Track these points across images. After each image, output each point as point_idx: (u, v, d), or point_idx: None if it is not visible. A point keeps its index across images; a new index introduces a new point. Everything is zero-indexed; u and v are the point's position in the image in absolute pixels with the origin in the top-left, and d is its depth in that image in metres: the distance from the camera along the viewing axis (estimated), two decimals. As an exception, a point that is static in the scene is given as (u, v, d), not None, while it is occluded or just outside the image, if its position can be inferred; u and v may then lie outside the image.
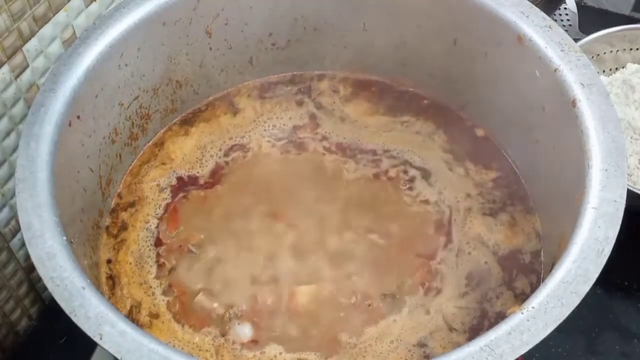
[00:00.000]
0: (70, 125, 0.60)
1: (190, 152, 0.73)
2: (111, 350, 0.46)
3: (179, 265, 0.66)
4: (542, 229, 0.67)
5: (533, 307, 0.48)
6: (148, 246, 0.67)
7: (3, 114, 0.66)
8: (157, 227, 0.68)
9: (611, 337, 0.76)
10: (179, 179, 0.72)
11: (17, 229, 0.72)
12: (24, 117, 0.68)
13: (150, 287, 0.64)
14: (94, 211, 0.66)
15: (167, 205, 0.69)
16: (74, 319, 0.48)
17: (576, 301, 0.48)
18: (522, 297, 0.62)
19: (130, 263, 0.66)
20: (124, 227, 0.68)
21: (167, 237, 0.67)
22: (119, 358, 0.46)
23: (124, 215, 0.69)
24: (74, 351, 0.70)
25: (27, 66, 0.66)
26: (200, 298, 0.63)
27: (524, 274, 0.64)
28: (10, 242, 0.72)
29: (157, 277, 0.65)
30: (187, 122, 0.76)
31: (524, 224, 0.67)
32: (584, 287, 0.49)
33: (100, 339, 0.47)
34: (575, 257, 0.51)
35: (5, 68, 0.64)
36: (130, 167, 0.72)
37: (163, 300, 0.63)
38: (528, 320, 0.47)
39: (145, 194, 0.70)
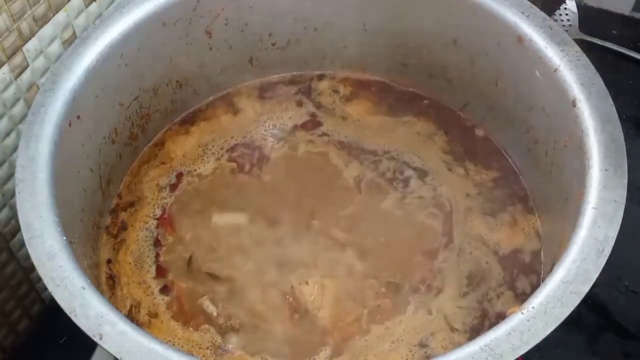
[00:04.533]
0: (70, 125, 0.60)
1: (191, 149, 0.74)
2: (111, 350, 0.46)
3: (178, 266, 0.65)
4: (542, 229, 0.67)
5: (533, 307, 0.48)
6: (147, 246, 0.67)
7: (3, 114, 0.66)
8: (156, 227, 0.68)
9: (611, 337, 0.76)
10: (179, 175, 0.72)
11: (17, 229, 0.72)
12: (24, 117, 0.68)
13: (150, 286, 0.64)
14: (94, 211, 0.66)
15: (166, 205, 0.69)
16: (74, 319, 0.48)
17: (576, 301, 0.48)
18: (522, 297, 0.62)
19: (130, 263, 0.66)
20: (123, 227, 0.68)
21: (165, 238, 0.67)
22: (119, 358, 0.46)
23: (123, 216, 0.69)
24: (74, 351, 0.70)
25: (27, 66, 0.66)
26: (203, 301, 0.63)
27: (524, 273, 0.64)
28: (10, 242, 0.72)
29: (156, 277, 0.65)
30: (188, 122, 0.76)
31: (524, 224, 0.67)
32: (584, 287, 0.49)
33: (100, 339, 0.47)
34: (575, 257, 0.51)
35: (5, 68, 0.64)
36: (130, 167, 0.72)
37: (162, 299, 0.63)
38: (528, 320, 0.47)
39: (144, 194, 0.70)
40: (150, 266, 0.66)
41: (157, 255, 0.66)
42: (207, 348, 0.60)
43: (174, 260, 0.66)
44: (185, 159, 0.73)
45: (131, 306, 0.63)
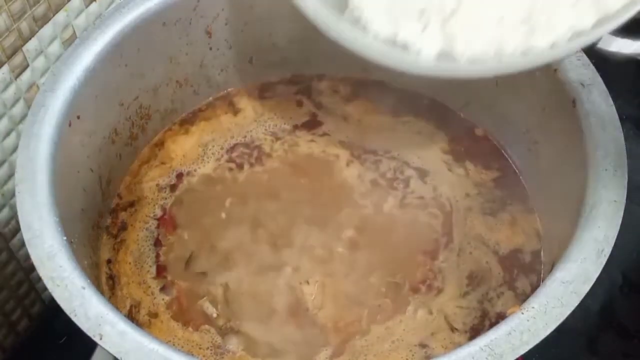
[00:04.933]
0: (70, 125, 0.60)
1: (191, 149, 0.73)
2: (111, 350, 0.46)
3: (178, 266, 0.65)
4: (542, 229, 0.67)
5: (533, 307, 0.48)
6: (148, 246, 0.67)
7: (3, 114, 0.66)
8: (156, 227, 0.68)
9: (611, 337, 0.77)
10: (179, 175, 0.72)
11: (17, 229, 0.72)
12: (24, 117, 0.68)
13: (150, 286, 0.64)
14: (94, 211, 0.66)
15: (166, 205, 0.69)
16: (74, 319, 0.48)
17: (576, 301, 0.48)
18: (522, 297, 0.62)
19: (130, 263, 0.66)
20: (123, 227, 0.68)
21: (165, 238, 0.67)
22: (119, 358, 0.46)
23: (123, 215, 0.69)
24: (74, 351, 0.70)
25: (27, 66, 0.66)
26: (203, 302, 0.63)
27: (524, 273, 0.64)
28: (10, 242, 0.73)
29: (156, 277, 0.65)
30: (188, 122, 0.76)
31: (524, 224, 0.67)
32: (584, 287, 0.49)
33: (100, 339, 0.47)
34: (575, 257, 0.51)
35: (5, 68, 0.64)
36: (130, 167, 0.72)
37: (162, 300, 0.63)
38: (528, 320, 0.47)
39: (144, 194, 0.70)
40: (150, 266, 0.66)
41: (157, 255, 0.66)
42: (207, 348, 0.60)
43: (174, 260, 0.66)
44: (185, 159, 0.73)
45: (131, 306, 0.63)
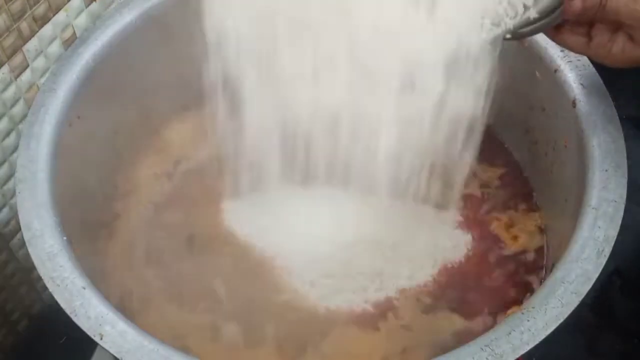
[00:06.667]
0: (70, 125, 0.60)
1: (188, 137, 0.73)
2: (111, 350, 0.46)
3: (175, 250, 0.65)
4: (545, 228, 0.67)
5: (533, 307, 0.48)
6: (141, 234, 0.66)
7: (3, 114, 0.66)
8: (154, 213, 0.68)
9: (611, 337, 0.76)
10: (176, 163, 0.71)
11: (17, 229, 0.72)
12: (24, 117, 0.68)
13: (142, 274, 0.64)
14: (93, 210, 0.65)
15: (164, 192, 0.69)
16: (74, 319, 0.48)
17: (576, 301, 0.48)
18: (523, 297, 0.62)
19: (123, 251, 0.65)
20: (117, 216, 0.68)
21: (159, 225, 0.67)
22: (119, 358, 0.46)
23: (118, 205, 0.68)
24: (74, 351, 0.70)
25: (27, 66, 0.66)
26: (201, 284, 0.62)
27: (526, 273, 0.64)
28: (10, 242, 0.73)
29: (147, 263, 0.64)
30: (187, 109, 0.75)
31: (527, 222, 0.67)
32: (584, 287, 0.49)
33: (101, 339, 0.47)
34: (575, 257, 0.50)
35: (5, 68, 0.64)
36: (128, 160, 0.72)
37: (155, 286, 0.63)
38: (528, 320, 0.47)
39: (140, 182, 0.70)
40: (146, 253, 0.65)
41: (153, 242, 0.66)
42: (205, 330, 0.60)
43: (170, 245, 0.65)
44: (183, 147, 0.72)
45: (122, 294, 0.62)
